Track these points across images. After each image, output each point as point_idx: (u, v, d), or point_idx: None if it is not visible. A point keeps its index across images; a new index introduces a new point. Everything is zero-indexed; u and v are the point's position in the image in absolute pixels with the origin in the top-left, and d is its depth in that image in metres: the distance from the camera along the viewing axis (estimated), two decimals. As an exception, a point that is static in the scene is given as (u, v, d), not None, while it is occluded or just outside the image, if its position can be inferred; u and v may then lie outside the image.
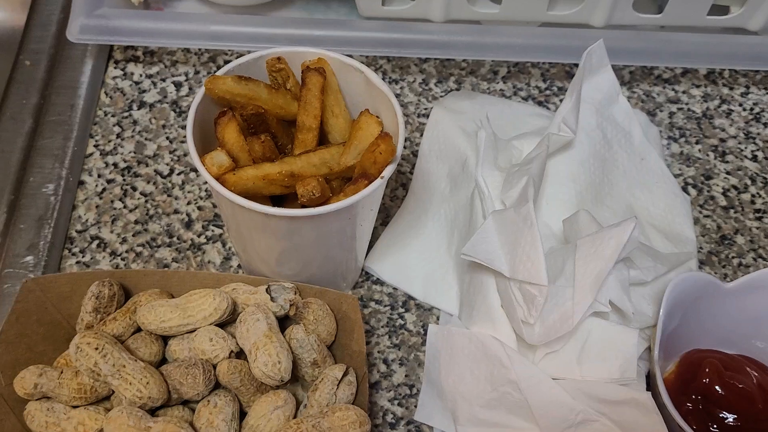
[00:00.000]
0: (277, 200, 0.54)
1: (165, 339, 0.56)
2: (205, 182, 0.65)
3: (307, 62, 0.55)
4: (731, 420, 0.55)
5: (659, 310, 0.55)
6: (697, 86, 0.76)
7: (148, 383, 0.51)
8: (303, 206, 0.50)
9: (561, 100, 0.74)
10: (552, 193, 0.62)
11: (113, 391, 0.53)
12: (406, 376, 0.60)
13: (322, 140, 0.56)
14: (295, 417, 0.53)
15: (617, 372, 0.53)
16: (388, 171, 0.51)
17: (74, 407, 0.53)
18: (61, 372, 0.53)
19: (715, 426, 0.55)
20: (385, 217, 0.66)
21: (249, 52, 0.56)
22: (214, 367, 0.53)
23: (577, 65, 0.63)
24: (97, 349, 0.51)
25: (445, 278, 0.63)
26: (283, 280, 0.57)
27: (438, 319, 0.62)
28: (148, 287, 0.58)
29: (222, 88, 0.53)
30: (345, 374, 0.54)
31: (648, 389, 0.55)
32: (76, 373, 0.52)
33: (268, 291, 0.56)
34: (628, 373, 0.53)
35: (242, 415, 0.54)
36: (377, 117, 0.53)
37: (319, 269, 0.59)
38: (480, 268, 0.58)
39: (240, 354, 0.54)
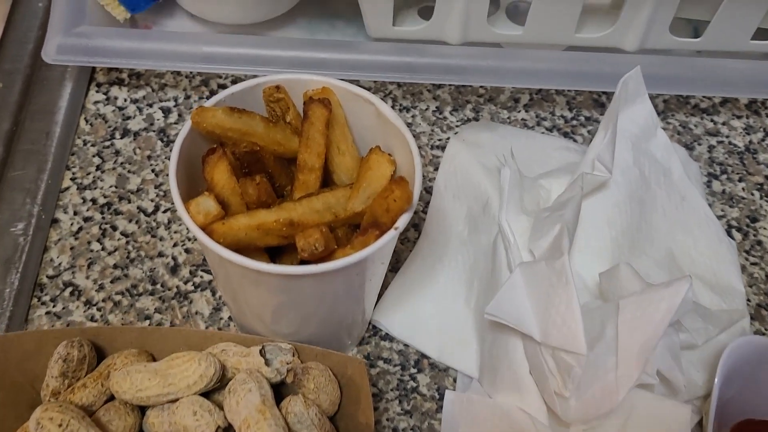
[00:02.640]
0: (273, 251, 0.47)
1: (143, 408, 0.49)
2: (194, 222, 0.58)
3: (309, 92, 0.49)
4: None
5: (712, 379, 0.48)
6: (738, 117, 0.69)
7: (120, 467, 0.43)
8: (303, 261, 0.43)
9: (589, 132, 0.67)
10: (585, 240, 0.54)
11: (81, 471, 0.46)
12: (419, 448, 0.53)
13: (327, 181, 0.49)
14: (291, 505, 0.45)
15: (666, 453, 0.46)
16: (403, 221, 0.43)
17: (36, 490, 0.45)
18: (21, 448, 0.46)
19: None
20: (395, 263, 0.59)
21: (245, 76, 0.49)
22: (199, 445, 0.45)
23: (606, 93, 0.57)
24: (60, 425, 0.44)
25: (463, 335, 0.56)
26: (279, 339, 0.50)
27: (455, 381, 0.55)
28: (124, 346, 0.50)
29: (211, 121, 0.46)
30: (350, 453, 0.46)
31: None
32: (37, 451, 0.45)
33: (262, 353, 0.49)
34: (679, 456, 0.46)
35: (230, 500, 0.46)
36: (389, 155, 0.46)
37: (320, 327, 0.51)
38: (505, 327, 0.51)
39: (228, 429, 0.47)
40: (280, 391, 0.49)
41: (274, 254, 0.48)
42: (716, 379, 0.47)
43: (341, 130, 0.49)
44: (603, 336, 0.46)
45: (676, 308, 0.44)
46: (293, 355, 0.49)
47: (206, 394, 0.48)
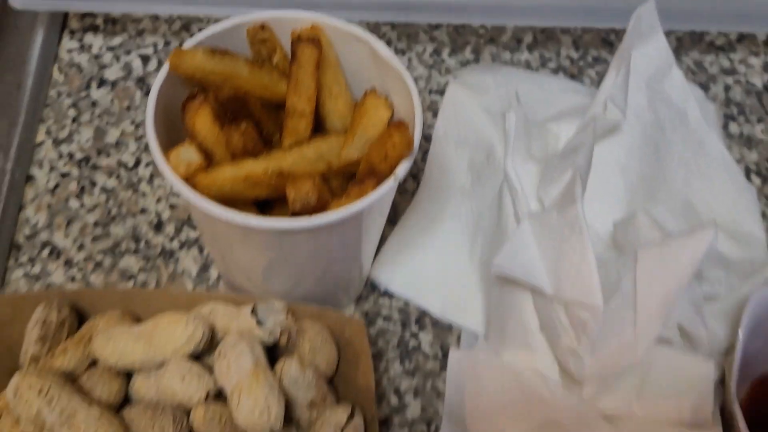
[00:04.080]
0: (262, 205, 0.44)
1: (129, 373, 0.45)
2: (178, 176, 0.55)
3: (297, 31, 0.44)
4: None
5: (734, 331, 0.45)
6: (756, 54, 0.65)
7: (104, 437, 0.40)
8: (295, 214, 0.40)
9: (597, 73, 0.63)
10: (597, 188, 0.51)
11: (63, 442, 0.43)
12: (422, 409, 0.50)
13: (318, 128, 0.45)
14: (289, 474, 0.42)
15: (688, 412, 0.43)
16: (403, 169, 0.40)
17: (15, 462, 0.42)
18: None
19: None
20: (393, 215, 0.56)
21: (229, 17, 0.45)
22: (188, 413, 0.42)
23: (615, 31, 0.53)
24: (40, 392, 0.40)
25: (468, 290, 0.52)
26: (272, 297, 0.46)
27: (459, 339, 0.52)
28: (106, 308, 0.47)
29: (191, 64, 0.42)
30: (350, 418, 0.43)
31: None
32: (17, 420, 0.42)
33: (253, 313, 0.45)
34: (702, 414, 0.43)
35: (224, 470, 0.43)
36: (386, 98, 0.42)
37: (315, 284, 0.48)
38: (512, 281, 0.48)
39: (220, 394, 0.44)
40: (273, 352, 0.46)
41: (263, 208, 0.44)
42: (740, 332, 0.44)
43: (333, 71, 0.45)
44: (619, 289, 0.43)
45: (699, 259, 0.41)
46: (287, 315, 0.46)
47: (195, 358, 0.44)
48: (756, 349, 0.48)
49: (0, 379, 0.46)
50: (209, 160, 0.41)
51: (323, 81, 0.45)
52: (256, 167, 0.41)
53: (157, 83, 0.42)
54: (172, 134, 0.43)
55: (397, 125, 0.39)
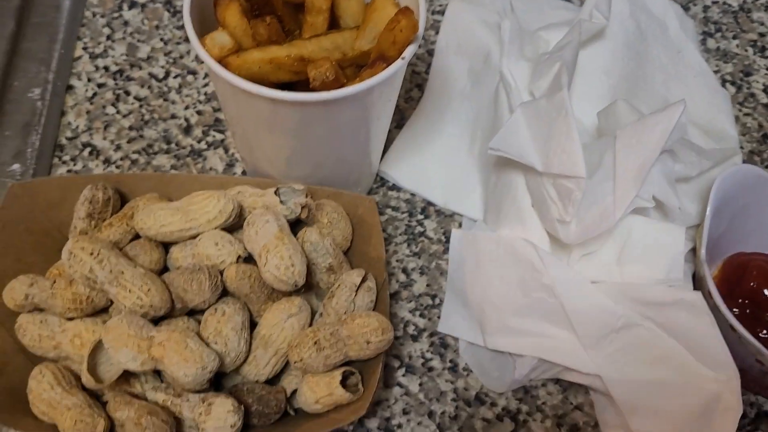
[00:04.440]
0: (284, 89, 0.49)
1: (166, 246, 0.51)
2: (205, 85, 0.61)
3: (315, -65, 0.50)
4: (781, 326, 0.51)
5: (704, 209, 0.50)
6: (733, -22, 0.71)
7: (149, 290, 0.46)
8: (314, 92, 0.45)
9: (587, -7, 0.68)
10: (583, 88, 0.57)
11: (111, 302, 0.49)
12: (427, 285, 0.55)
13: (333, 25, 0.51)
14: (310, 326, 0.48)
15: (662, 272, 0.49)
16: (410, 51, 0.45)
17: (69, 319, 0.48)
18: (54, 281, 0.48)
19: (765, 331, 0.51)
20: (400, 120, 0.61)
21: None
22: (221, 273, 0.48)
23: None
24: (92, 254, 0.46)
25: (468, 181, 0.58)
26: (292, 182, 0.52)
27: (460, 225, 0.58)
28: (145, 192, 0.53)
29: (222, -37, 0.47)
30: (364, 280, 0.49)
31: (694, 291, 0.50)
32: (70, 283, 0.48)
33: (276, 193, 0.51)
34: (674, 274, 0.49)
35: (252, 326, 0.49)
36: (394, -2, 0.48)
37: (331, 172, 0.54)
38: (507, 167, 0.53)
39: (248, 260, 0.49)
40: (295, 230, 0.51)
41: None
42: (709, 205, 0.50)
43: (347, -26, 0.51)
44: (601, 164, 0.49)
45: (671, 130, 0.46)
46: (306, 196, 0.51)
47: (225, 231, 0.50)
48: (724, 230, 0.53)
49: (50, 254, 0.52)
50: (237, 48, 0.47)
51: (338, -18, 0.50)
52: (281, 52, 0.46)
53: (191, -19, 0.47)
54: (205, 29, 0.48)
55: (403, 11, 0.45)
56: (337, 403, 0.46)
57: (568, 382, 0.52)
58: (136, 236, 0.51)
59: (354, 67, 0.49)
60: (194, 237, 0.50)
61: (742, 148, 0.61)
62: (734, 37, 0.67)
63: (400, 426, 0.50)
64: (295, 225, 0.52)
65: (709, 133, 0.59)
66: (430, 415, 0.51)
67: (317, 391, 0.46)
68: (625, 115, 0.51)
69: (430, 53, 0.64)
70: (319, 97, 0.44)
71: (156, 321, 0.47)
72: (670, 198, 0.49)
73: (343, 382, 0.46)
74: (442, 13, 0.67)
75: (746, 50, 0.66)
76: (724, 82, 0.65)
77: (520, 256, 0.51)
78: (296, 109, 0.45)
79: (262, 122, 0.48)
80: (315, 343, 0.46)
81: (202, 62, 0.61)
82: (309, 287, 0.51)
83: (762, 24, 0.68)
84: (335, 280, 0.50)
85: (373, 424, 0.50)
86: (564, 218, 0.49)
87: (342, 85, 0.46)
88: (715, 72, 0.65)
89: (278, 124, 0.48)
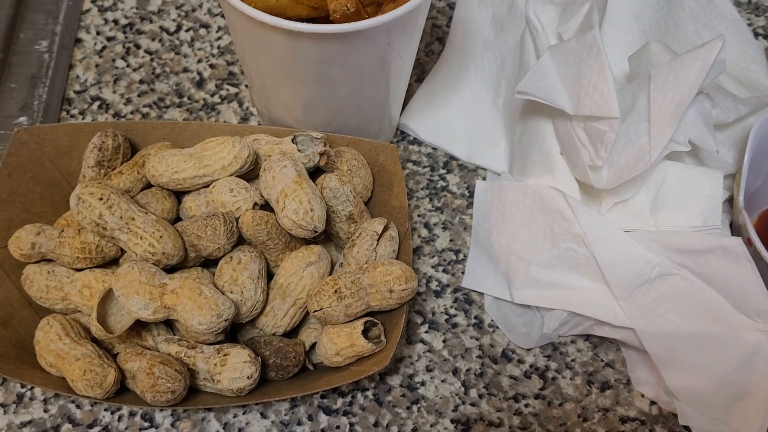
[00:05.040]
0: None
1: (178, 196, 0.49)
2: (218, 38, 0.59)
3: None
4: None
5: (741, 157, 0.48)
6: (765, -71, 0.68)
7: (161, 237, 0.44)
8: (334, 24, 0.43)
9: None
10: (613, 34, 0.54)
11: (122, 252, 0.47)
12: (450, 240, 0.53)
13: (354, -39, 0.48)
14: (330, 275, 0.46)
15: (698, 219, 0.46)
16: (434, -17, 0.43)
17: (78, 270, 0.46)
18: (62, 231, 0.46)
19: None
20: (420, 73, 0.59)
21: None
22: (236, 220, 0.46)
23: None
24: (101, 199, 0.44)
25: (492, 134, 0.56)
26: (310, 130, 0.50)
27: (485, 179, 0.55)
28: (157, 141, 0.51)
29: None
30: (386, 229, 0.47)
31: (732, 241, 0.48)
32: (78, 231, 0.46)
33: (294, 141, 0.49)
34: (711, 220, 0.46)
35: (270, 276, 0.47)
36: (417, -69, 0.45)
37: (350, 121, 0.52)
38: (535, 114, 0.51)
39: (265, 207, 0.47)
40: (313, 179, 0.49)
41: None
42: (747, 150, 0.47)
43: None
44: (635, 106, 0.46)
45: (709, 67, 0.44)
46: (325, 144, 0.49)
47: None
48: (761, 183, 0.51)
49: (59, 205, 0.50)
50: (255, -17, 0.44)
51: None
52: (299, -15, 0.44)
53: None
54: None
55: (428, -61, 0.42)
56: (359, 355, 0.44)
57: (599, 338, 0.50)
58: (148, 185, 0.49)
59: (375, 5, 0.47)
60: (208, 185, 0.48)
61: (776, 102, 0.58)
62: (766, -10, 0.64)
63: (423, 383, 0.48)
64: (314, 174, 0.49)
65: (743, 83, 0.56)
66: (455, 372, 0.49)
67: (338, 342, 0.44)
68: (659, 55, 0.48)
69: (451, 6, 0.62)
70: (339, 28, 0.42)
71: (169, 271, 0.45)
72: (708, 141, 0.47)
73: (365, 334, 0.44)
74: (462, -35, 0.64)
75: (779, 3, 0.64)
76: (756, 35, 0.62)
77: (549, 205, 0.48)
78: (315, 43, 0.43)
79: (280, 63, 0.46)
80: (335, 291, 0.43)
81: (216, 15, 0.59)
82: (328, 238, 0.49)
83: (795, -24, 0.65)
84: (356, 230, 0.48)
85: (395, 381, 0.48)
86: (596, 163, 0.46)
87: (363, 19, 0.43)
88: (748, 26, 0.62)
89: (296, 64, 0.45)
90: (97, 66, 0.59)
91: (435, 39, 0.61)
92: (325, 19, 0.44)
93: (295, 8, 0.44)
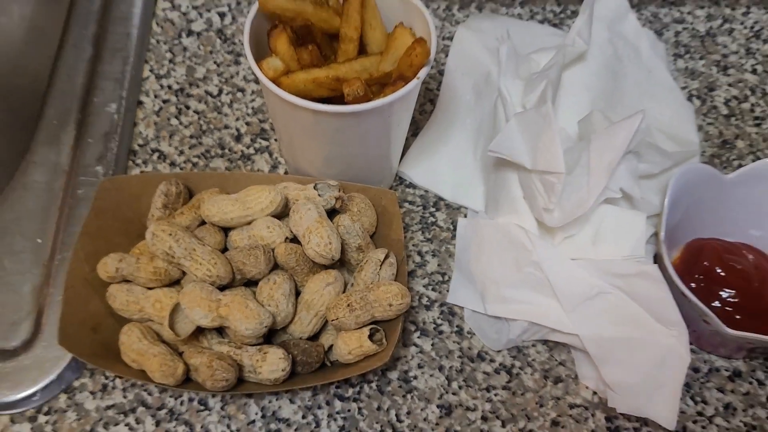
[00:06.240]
0: (323, 104, 0.61)
1: (225, 231, 0.63)
2: (252, 100, 0.73)
3: (347, -19, 0.62)
4: (730, 296, 0.62)
5: (665, 199, 0.62)
6: (701, 7, 0.82)
7: (216, 263, 0.58)
8: (347, 105, 0.57)
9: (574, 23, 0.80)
10: (567, 102, 0.68)
11: (183, 275, 0.61)
12: (438, 265, 0.67)
13: (362, 51, 0.62)
14: (344, 293, 0.60)
15: (628, 251, 0.60)
16: (423, 72, 0.57)
17: (150, 288, 0.60)
18: (138, 258, 0.60)
19: (716, 302, 0.62)
20: (415, 129, 0.73)
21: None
22: (272, 250, 0.60)
23: (589, -10, 0.69)
24: (171, 234, 0.58)
25: (472, 180, 0.70)
26: (328, 179, 0.64)
27: (466, 216, 0.69)
28: (208, 187, 0.65)
29: (274, 3, 0.59)
30: (386, 257, 0.61)
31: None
32: (151, 258, 0.60)
33: (315, 188, 0.63)
34: (637, 251, 0.60)
35: (297, 293, 0.61)
36: (410, 29, 0.59)
37: (360, 171, 0.65)
38: (504, 166, 0.65)
39: (294, 240, 0.61)
40: (331, 218, 0.63)
41: (324, 106, 0.61)
42: (667, 196, 0.61)
43: (372, 11, 0.62)
44: (579, 162, 0.60)
45: (633, 134, 0.58)
46: (339, 190, 0.63)
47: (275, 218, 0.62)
48: (681, 218, 0.64)
49: (132, 237, 0.64)
50: (287, 70, 0.59)
51: (365, 18, 0.62)
52: (321, 73, 0.58)
53: (250, 17, 0.59)
54: (258, 54, 0.60)
55: (418, 40, 0.56)
56: (366, 354, 0.58)
57: (554, 342, 0.63)
58: (202, 222, 0.63)
59: (379, 85, 0.61)
60: (249, 223, 0.62)
61: (704, 152, 0.72)
62: (701, 58, 0.78)
63: (416, 377, 0.62)
64: (331, 214, 0.63)
65: (674, 139, 0.70)
66: (440, 368, 0.62)
67: (349, 343, 0.58)
68: (598, 123, 0.62)
69: (441, 73, 0.76)
70: (351, 109, 0.56)
71: (221, 289, 0.59)
72: (634, 189, 0.60)
73: (371, 337, 0.58)
74: (451, 39, 0.79)
75: (711, 69, 0.78)
76: (690, 96, 0.76)
77: (514, 238, 0.62)
78: (333, 118, 0.57)
79: (306, 130, 0.60)
80: (348, 305, 0.57)
81: (250, 81, 0.74)
82: (342, 263, 0.63)
83: (725, 47, 0.79)
84: (363, 258, 0.61)
85: (393, 375, 0.62)
86: (549, 206, 0.60)
87: (369, 100, 0.57)
88: (684, 88, 0.76)
89: (318, 131, 0.59)
90: (155, 124, 0.73)
91: (427, 100, 0.75)
92: (341, 99, 0.58)
93: (318, 90, 0.59)
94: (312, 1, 0.61)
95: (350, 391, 0.61)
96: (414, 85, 0.57)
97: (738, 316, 0.61)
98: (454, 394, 0.61)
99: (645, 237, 0.61)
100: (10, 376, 0.60)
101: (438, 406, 0.60)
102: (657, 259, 0.63)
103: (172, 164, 0.71)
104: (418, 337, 0.64)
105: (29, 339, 0.62)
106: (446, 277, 0.66)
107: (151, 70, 0.76)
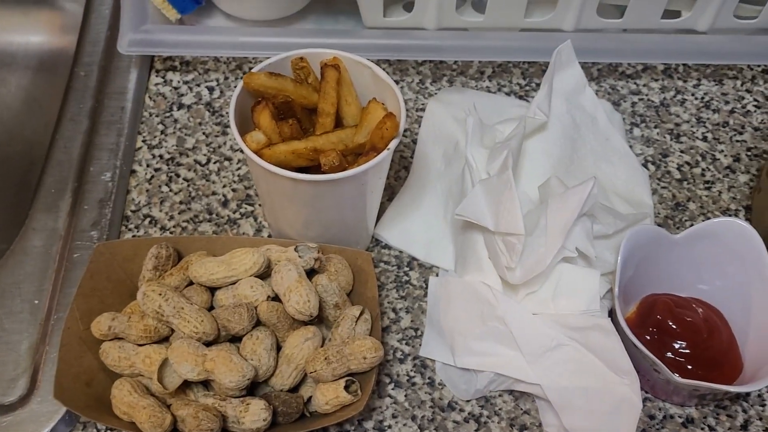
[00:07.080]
0: (302, 172, 0.66)
1: (212, 291, 0.68)
2: (238, 168, 0.78)
3: (324, 60, 0.68)
4: (682, 347, 0.66)
5: (618, 257, 0.67)
6: (656, 80, 0.89)
7: (202, 321, 0.62)
8: (324, 173, 0.62)
9: (538, 94, 0.86)
10: (529, 168, 0.73)
11: (172, 332, 0.65)
12: (411, 321, 0.72)
13: (338, 124, 0.68)
14: (321, 347, 0.64)
15: (584, 305, 0.65)
16: (393, 144, 0.63)
17: (141, 345, 0.65)
18: (130, 317, 0.65)
19: (669, 353, 0.66)
20: (390, 194, 0.79)
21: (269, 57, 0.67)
22: (255, 308, 0.65)
23: (550, 63, 0.75)
24: (160, 294, 0.63)
25: (443, 241, 0.75)
26: (308, 242, 0.69)
27: (437, 274, 0.74)
28: (196, 250, 0.70)
29: (257, 82, 0.65)
30: (362, 314, 0.65)
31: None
32: (142, 317, 0.64)
33: (296, 250, 0.68)
34: (592, 306, 0.65)
35: (278, 348, 0.65)
36: (383, 104, 0.65)
37: (337, 233, 0.70)
38: (470, 228, 0.70)
39: (275, 299, 0.66)
40: (310, 277, 0.68)
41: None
42: (620, 255, 0.66)
43: (347, 87, 0.68)
44: (538, 225, 0.66)
45: (585, 198, 0.63)
46: (318, 252, 0.68)
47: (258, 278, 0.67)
48: (634, 273, 0.69)
49: (125, 297, 0.68)
50: (269, 142, 0.64)
51: (341, 93, 0.68)
52: (300, 145, 0.63)
53: (235, 94, 0.65)
54: (243, 127, 0.65)
55: (389, 115, 0.62)
56: (342, 404, 0.62)
57: (519, 392, 0.68)
58: (190, 283, 0.68)
59: (353, 155, 0.66)
60: (234, 283, 0.66)
61: (659, 214, 0.78)
62: (655, 127, 0.85)
63: (389, 426, 0.66)
64: (310, 274, 0.68)
65: (630, 202, 0.75)
66: (413, 418, 0.66)
67: (327, 394, 0.62)
68: (555, 187, 0.68)
69: (414, 142, 0.82)
70: (328, 177, 0.61)
71: (207, 344, 0.64)
72: (589, 249, 0.66)
73: (347, 389, 0.62)
74: (423, 110, 0.85)
75: (665, 137, 0.84)
76: (646, 162, 0.82)
77: (480, 295, 0.67)
78: (311, 186, 0.62)
79: (286, 196, 0.65)
80: (325, 358, 0.62)
81: (237, 150, 0.79)
82: (320, 320, 0.68)
83: (677, 116, 0.85)
84: (340, 314, 0.66)
85: (369, 425, 0.66)
86: (510, 265, 0.65)
87: (345, 169, 0.63)
88: (640, 154, 0.82)
89: (298, 198, 0.65)
90: (147, 191, 0.78)
91: (402, 167, 0.81)
92: (318, 168, 0.64)
93: (298, 161, 0.64)
94: (292, 79, 0.67)
95: (328, 440, 0.65)
96: (385, 155, 0.62)
97: (690, 366, 0.66)
98: (425, 442, 0.65)
99: (600, 292, 0.66)
100: (8, 430, 0.64)
101: (411, 454, 0.65)
102: (611, 313, 0.68)
103: (163, 228, 0.76)
104: (393, 389, 0.68)
105: (25, 395, 0.66)
106: (419, 332, 0.71)
107: (143, 141, 0.82)
